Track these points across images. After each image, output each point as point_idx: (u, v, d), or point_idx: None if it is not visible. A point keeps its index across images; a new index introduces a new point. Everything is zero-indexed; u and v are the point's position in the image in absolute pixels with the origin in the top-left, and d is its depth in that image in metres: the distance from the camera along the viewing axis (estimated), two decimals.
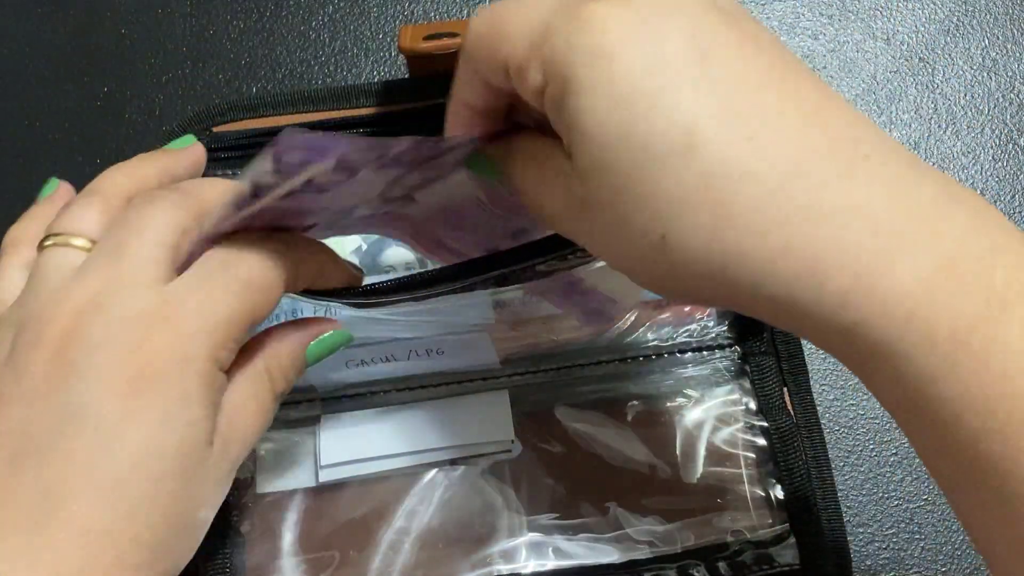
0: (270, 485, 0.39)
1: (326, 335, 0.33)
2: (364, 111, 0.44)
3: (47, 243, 0.30)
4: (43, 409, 0.27)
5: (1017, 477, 0.23)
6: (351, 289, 0.33)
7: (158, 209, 0.29)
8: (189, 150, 0.35)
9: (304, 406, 0.40)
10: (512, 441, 0.40)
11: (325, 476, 0.39)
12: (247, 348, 0.31)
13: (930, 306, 0.23)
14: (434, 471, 0.39)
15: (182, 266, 0.29)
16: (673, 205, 0.24)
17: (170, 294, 0.28)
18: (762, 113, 0.24)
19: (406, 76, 0.44)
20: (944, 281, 0.23)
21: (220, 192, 0.31)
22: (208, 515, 0.30)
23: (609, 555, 0.38)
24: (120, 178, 0.32)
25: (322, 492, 0.39)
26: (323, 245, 0.33)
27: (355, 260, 0.41)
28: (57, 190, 0.35)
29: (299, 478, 0.39)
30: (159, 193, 0.30)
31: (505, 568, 0.38)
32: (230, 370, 0.30)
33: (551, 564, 0.38)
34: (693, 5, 0.25)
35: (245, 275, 0.29)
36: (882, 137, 0.25)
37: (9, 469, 0.27)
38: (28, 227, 0.32)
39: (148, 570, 0.28)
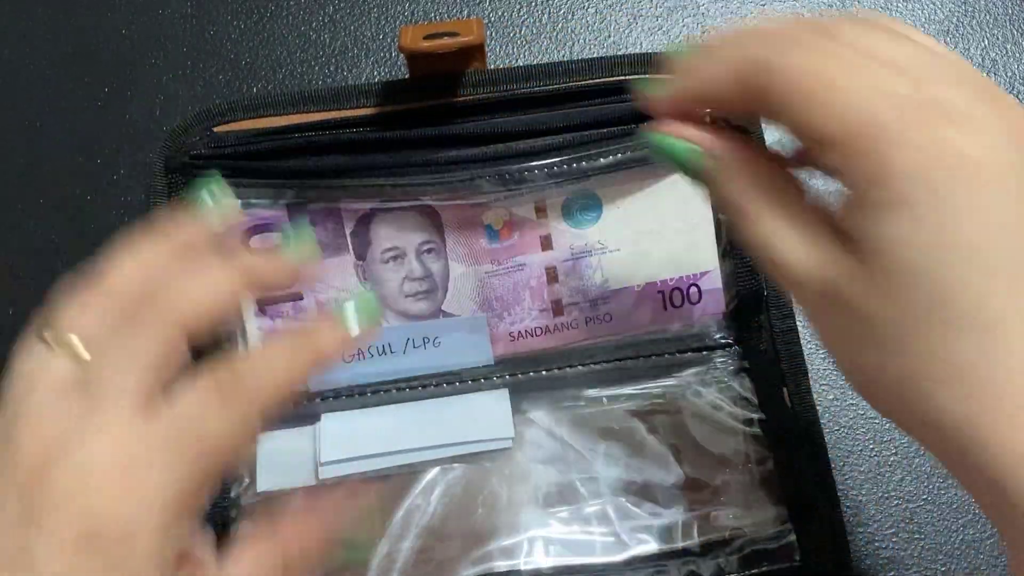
0: (270, 483, 0.39)
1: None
2: (364, 111, 0.44)
3: (45, 333, 0.29)
4: (5, 546, 0.27)
5: None
6: None
7: (143, 337, 0.28)
8: (208, 222, 0.32)
9: (304, 405, 0.40)
10: (512, 439, 0.40)
11: (325, 474, 0.39)
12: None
13: None
14: (434, 469, 0.39)
15: (170, 378, 0.29)
16: (936, 365, 0.24)
17: (136, 452, 0.27)
18: None
19: (406, 76, 0.44)
20: None
21: (212, 302, 0.30)
22: None
23: (610, 552, 0.38)
24: (129, 267, 0.30)
25: (322, 490, 0.39)
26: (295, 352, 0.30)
27: None
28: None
29: (299, 476, 0.39)
30: (148, 317, 0.29)
31: (505, 565, 0.38)
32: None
33: (551, 561, 0.38)
34: None
35: (210, 444, 0.28)
36: None
37: None
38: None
39: None
